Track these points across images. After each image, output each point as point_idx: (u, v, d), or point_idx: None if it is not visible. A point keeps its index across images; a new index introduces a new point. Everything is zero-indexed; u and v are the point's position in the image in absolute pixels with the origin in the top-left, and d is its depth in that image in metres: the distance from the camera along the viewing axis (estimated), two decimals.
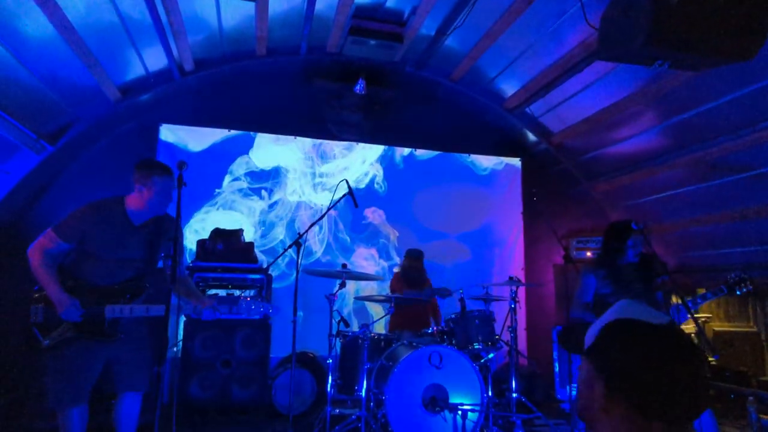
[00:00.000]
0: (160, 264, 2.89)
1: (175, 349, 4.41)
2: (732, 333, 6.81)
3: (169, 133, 5.06)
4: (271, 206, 5.31)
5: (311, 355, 4.84)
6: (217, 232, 4.48)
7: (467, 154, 5.90)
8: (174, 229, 2.27)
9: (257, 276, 4.35)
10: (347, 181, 3.91)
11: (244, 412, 4.14)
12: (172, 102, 5.07)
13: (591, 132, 5.20)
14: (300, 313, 5.08)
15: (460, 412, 3.38)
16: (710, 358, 5.77)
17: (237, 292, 4.40)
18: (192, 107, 5.14)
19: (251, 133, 5.33)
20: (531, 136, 5.86)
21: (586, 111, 5.03)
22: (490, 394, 3.61)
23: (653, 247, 3.51)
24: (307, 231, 3.78)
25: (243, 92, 5.31)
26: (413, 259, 4.62)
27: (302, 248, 3.71)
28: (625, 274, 3.38)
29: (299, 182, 5.41)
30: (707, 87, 3.98)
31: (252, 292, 4.40)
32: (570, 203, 5.95)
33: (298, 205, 5.38)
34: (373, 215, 5.48)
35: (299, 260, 3.67)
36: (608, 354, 0.88)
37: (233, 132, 5.26)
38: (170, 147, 4.96)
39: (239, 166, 5.26)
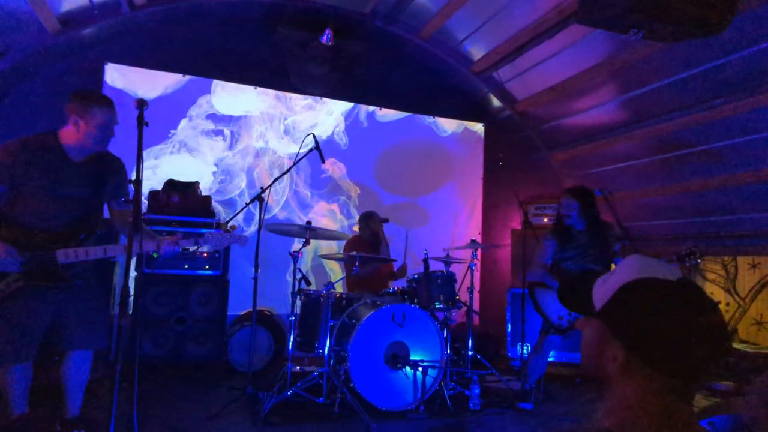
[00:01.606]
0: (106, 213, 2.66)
1: None
2: None
3: (116, 75, 4.62)
4: (232, 150, 5.02)
5: (268, 312, 4.75)
6: (171, 184, 4.21)
7: (431, 117, 5.82)
8: (137, 171, 2.05)
9: (215, 231, 4.14)
10: (314, 136, 3.75)
11: (200, 370, 4.03)
12: (119, 39, 4.61)
13: (554, 101, 5.24)
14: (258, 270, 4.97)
15: (420, 369, 3.44)
16: None
17: (192, 248, 4.19)
18: (142, 46, 4.71)
19: (209, 80, 4.96)
20: (495, 102, 5.85)
21: (551, 79, 5.05)
22: (449, 351, 3.69)
23: (617, 215, 3.64)
24: (270, 186, 3.61)
25: (200, 35, 4.91)
26: (375, 223, 4.53)
27: (264, 204, 3.56)
28: (581, 239, 3.49)
29: (264, 127, 5.15)
30: (665, 63, 4.07)
31: (208, 248, 4.20)
32: (529, 170, 6.05)
33: (261, 151, 5.13)
34: (333, 168, 5.33)
35: (261, 216, 3.52)
36: (629, 316, 0.86)
37: (188, 77, 4.88)
38: (118, 92, 4.53)
39: (199, 107, 4.92)
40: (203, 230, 4.05)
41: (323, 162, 3.74)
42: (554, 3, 4.10)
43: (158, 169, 4.71)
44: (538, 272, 3.50)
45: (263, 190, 3.56)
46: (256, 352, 4.25)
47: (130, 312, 3.91)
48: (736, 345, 5.13)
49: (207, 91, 4.97)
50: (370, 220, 4.61)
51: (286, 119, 5.23)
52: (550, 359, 4.61)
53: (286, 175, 5.02)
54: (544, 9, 4.21)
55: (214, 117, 4.98)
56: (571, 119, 5.33)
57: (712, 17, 2.73)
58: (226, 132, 5.01)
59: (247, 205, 3.65)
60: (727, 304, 6.61)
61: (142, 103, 2.10)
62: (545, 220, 5.17)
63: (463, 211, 5.91)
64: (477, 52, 5.34)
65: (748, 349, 4.69)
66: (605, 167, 5.36)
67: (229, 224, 4.19)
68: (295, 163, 3.70)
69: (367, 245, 4.43)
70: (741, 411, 1.54)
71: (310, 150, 3.68)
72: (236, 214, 3.78)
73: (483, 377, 4.15)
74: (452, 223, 5.83)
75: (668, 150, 4.65)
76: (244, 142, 5.06)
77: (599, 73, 4.55)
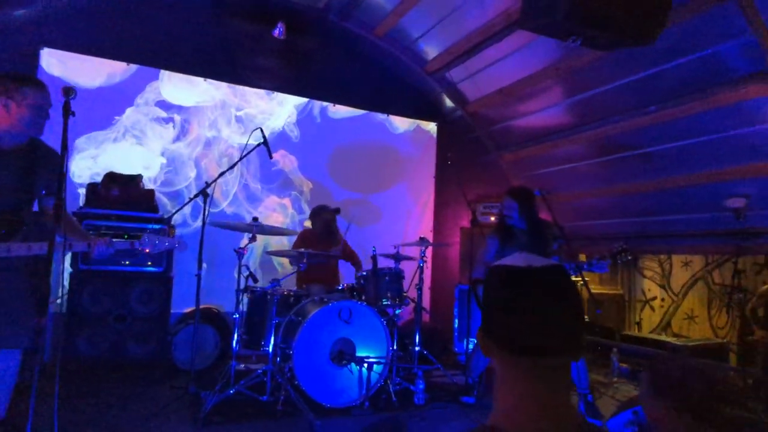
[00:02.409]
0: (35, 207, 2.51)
1: (59, 301, 3.97)
2: (603, 295, 7.68)
3: (53, 61, 4.36)
4: (181, 139, 4.85)
5: (215, 310, 4.63)
6: (112, 177, 4.03)
7: (385, 115, 5.83)
8: (60, 162, 1.94)
9: (158, 226, 4.00)
10: (262, 130, 3.68)
11: (141, 369, 3.89)
12: (57, 23, 4.35)
13: (504, 103, 5.37)
14: (203, 266, 4.83)
15: (366, 365, 3.45)
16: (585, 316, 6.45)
17: (124, 248, 4.02)
18: (83, 32, 4.46)
19: (156, 70, 4.77)
20: (448, 102, 5.93)
21: (501, 81, 5.16)
22: (395, 347, 3.72)
23: (554, 215, 3.76)
24: (215, 181, 3.52)
25: (145, 22, 4.71)
26: (327, 213, 4.49)
27: (209, 199, 3.46)
28: (522, 237, 3.60)
29: (215, 117, 5.00)
30: (607, 70, 4.25)
31: (145, 250, 4.03)
32: (479, 170, 6.17)
33: (212, 141, 4.98)
34: (284, 160, 5.25)
35: (205, 213, 3.43)
36: (481, 300, 0.91)
37: (133, 66, 4.68)
38: (55, 80, 4.28)
39: (148, 94, 4.73)
40: (145, 225, 3.90)
41: (270, 157, 3.67)
42: (503, 7, 4.19)
43: (99, 159, 4.49)
44: (481, 270, 3.57)
45: (208, 185, 3.46)
46: (201, 350, 4.16)
47: (63, 310, 3.74)
48: (668, 338, 5.43)
49: (156, 78, 4.78)
50: (322, 212, 4.56)
51: (239, 109, 5.11)
52: None
53: (235, 168, 4.93)
54: (493, 13, 4.30)
55: (163, 104, 4.80)
56: (519, 121, 5.47)
57: (644, 28, 2.86)
58: (177, 119, 4.84)
59: (191, 199, 3.53)
60: (663, 300, 6.99)
61: (68, 91, 1.98)
62: (493, 218, 5.29)
63: (415, 209, 5.97)
64: (431, 51, 5.39)
65: (678, 342, 4.98)
66: (551, 168, 5.54)
67: (171, 222, 4.10)
68: (241, 158, 3.62)
69: (318, 239, 4.39)
70: (640, 401, 1.62)
71: (258, 145, 3.61)
72: (180, 209, 3.67)
73: (429, 372, 4.21)
74: (404, 220, 5.87)
75: (608, 153, 4.85)
76: (194, 132, 4.91)
77: (546, 77, 4.69)
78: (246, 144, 3.64)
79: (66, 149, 1.84)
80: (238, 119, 5.10)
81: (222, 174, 3.58)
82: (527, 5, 2.97)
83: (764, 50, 3.12)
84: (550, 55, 4.51)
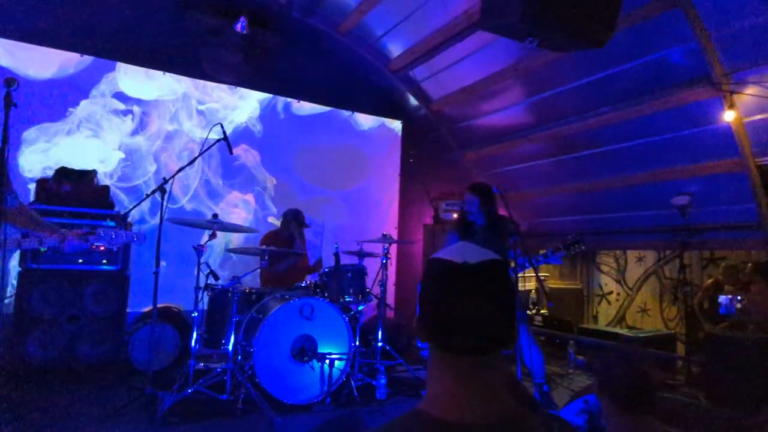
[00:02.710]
0: None
1: (7, 302, 3.80)
2: (563, 289, 7.94)
3: (1, 51, 4.15)
4: (139, 132, 4.70)
5: (176, 309, 4.53)
6: (64, 172, 3.88)
7: (349, 112, 5.83)
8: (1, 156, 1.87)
9: (113, 224, 3.88)
10: (222, 126, 3.61)
11: (96, 371, 3.76)
12: (3, 11, 4.15)
13: (466, 102, 5.46)
14: (163, 263, 4.70)
15: (327, 361, 3.45)
16: (543, 309, 6.63)
17: (76, 243, 3.88)
18: (32, 21, 4.26)
19: (112, 62, 4.61)
20: (412, 101, 5.98)
21: (464, 80, 5.25)
22: (357, 343, 3.73)
23: (510, 211, 3.86)
24: (173, 177, 3.43)
25: (100, 13, 4.53)
26: (292, 220, 4.45)
27: (167, 195, 3.38)
28: (480, 234, 3.67)
29: (176, 109, 4.87)
30: (564, 71, 4.39)
31: (102, 245, 3.90)
32: (443, 168, 6.25)
33: (172, 135, 4.85)
34: (247, 155, 5.17)
35: (163, 209, 3.34)
36: (420, 286, 0.92)
37: (88, 58, 4.51)
38: (4, 71, 4.07)
39: (105, 86, 4.56)
40: (99, 222, 3.77)
41: (231, 152, 3.62)
42: (464, 8, 4.26)
43: (51, 152, 4.31)
44: None
45: (165, 181, 3.38)
46: (161, 350, 4.06)
47: (11, 311, 3.58)
48: (621, 330, 5.65)
49: (113, 70, 4.62)
50: (294, 220, 4.51)
51: (201, 103, 5.00)
52: None
53: (195, 163, 4.82)
54: (455, 13, 4.36)
55: (121, 96, 4.64)
56: (481, 120, 5.58)
57: (595, 32, 2.97)
58: (136, 111, 4.69)
59: (147, 196, 3.44)
60: (618, 294, 7.27)
61: (10, 82, 1.90)
62: (455, 215, 5.38)
63: (380, 206, 5.99)
64: (395, 49, 5.42)
65: (630, 334, 5.19)
66: (511, 167, 5.67)
67: (128, 219, 3.98)
68: (200, 154, 3.55)
69: (282, 241, 4.36)
70: (593, 391, 1.70)
71: (217, 141, 3.55)
72: (136, 206, 3.56)
73: (392, 368, 4.25)
74: (369, 218, 5.89)
75: (565, 152, 5.01)
76: (154, 125, 4.77)
77: (506, 76, 4.80)
78: (206, 139, 3.56)
79: (6, 141, 1.76)
80: (200, 113, 4.99)
81: (180, 170, 3.51)
82: (486, 6, 3.03)
83: (706, 56, 3.29)
84: (511, 56, 4.62)
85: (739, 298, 3.70)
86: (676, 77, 3.62)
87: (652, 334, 5.18)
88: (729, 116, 3.36)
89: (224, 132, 3.56)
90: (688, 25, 3.19)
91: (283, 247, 4.25)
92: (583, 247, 3.31)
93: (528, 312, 6.88)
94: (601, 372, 1.65)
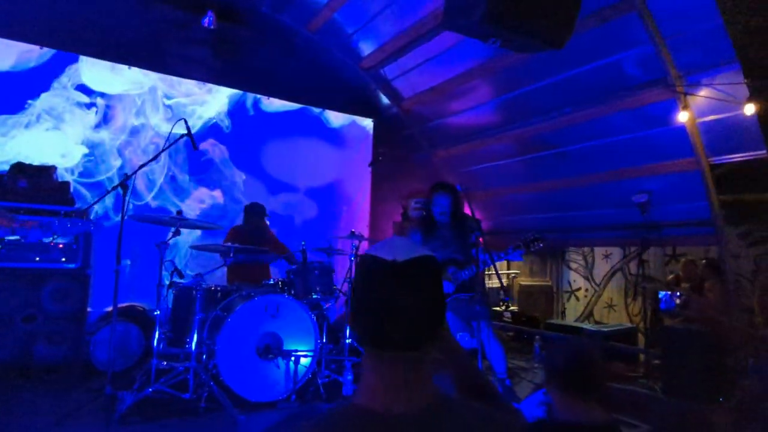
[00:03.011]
0: None
1: None
2: (533, 286, 8.09)
3: None
4: (103, 126, 4.57)
5: (141, 308, 4.44)
6: (20, 167, 3.75)
7: (321, 109, 5.81)
8: None
9: (63, 218, 3.76)
10: (186, 121, 3.56)
11: (54, 372, 3.66)
12: None
13: (437, 101, 5.50)
14: (127, 262, 4.61)
15: (293, 358, 3.44)
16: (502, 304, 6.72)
17: (46, 239, 3.78)
18: None
19: (75, 55, 4.49)
20: (384, 99, 5.99)
21: (434, 79, 5.29)
22: (324, 340, 3.73)
23: (473, 208, 3.91)
24: (135, 172, 3.37)
25: (62, 3, 4.40)
26: (254, 215, 4.41)
27: (129, 191, 3.31)
28: (445, 231, 3.71)
29: (142, 103, 4.76)
30: (530, 71, 4.46)
31: (66, 240, 3.81)
32: (414, 167, 6.29)
33: (139, 130, 4.73)
34: (215, 151, 5.10)
35: (124, 205, 3.28)
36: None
37: (48, 51, 4.37)
38: None
39: (68, 78, 4.43)
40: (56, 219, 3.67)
41: (195, 149, 3.56)
42: (432, 7, 4.29)
43: (9, 145, 4.16)
44: None
45: (127, 177, 3.30)
46: (124, 350, 3.99)
47: None
48: (585, 325, 5.78)
49: (76, 61, 4.50)
50: (256, 214, 4.47)
51: (168, 97, 4.91)
52: None
53: (161, 158, 4.73)
54: (422, 13, 4.39)
55: (84, 89, 4.51)
56: (451, 119, 5.63)
57: (554, 34, 3.03)
58: (100, 103, 4.56)
59: (107, 192, 3.37)
60: (586, 290, 7.44)
61: None
62: (424, 213, 5.42)
63: (351, 203, 6.00)
64: (366, 47, 5.42)
65: (593, 328, 5.32)
66: (480, 166, 5.74)
67: (89, 216, 3.88)
68: (162, 150, 3.48)
69: (248, 236, 4.30)
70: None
71: (181, 137, 3.49)
72: (96, 202, 3.48)
73: (359, 364, 4.25)
74: (341, 215, 5.89)
75: (531, 151, 5.10)
76: (119, 119, 4.66)
77: (474, 76, 4.85)
78: (169, 134, 3.50)
79: None
80: (168, 107, 4.90)
81: (142, 166, 3.43)
82: (449, 6, 3.06)
83: (661, 59, 3.40)
84: (479, 56, 4.68)
85: (678, 293, 3.84)
86: (634, 79, 3.73)
87: (615, 329, 5.32)
88: (683, 117, 3.49)
89: (188, 127, 3.50)
90: (644, 29, 3.29)
91: (252, 240, 4.21)
92: (541, 244, 3.37)
93: (497, 308, 7.00)
94: (546, 362, 1.70)
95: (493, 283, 7.56)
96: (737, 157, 3.61)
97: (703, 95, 3.44)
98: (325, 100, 5.79)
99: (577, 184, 4.92)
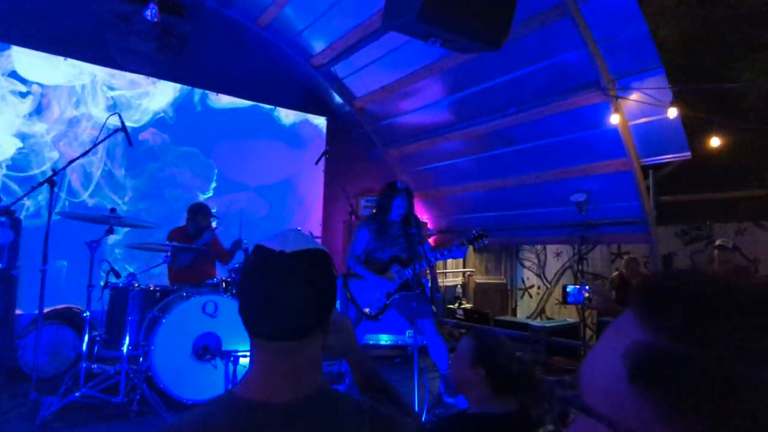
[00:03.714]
0: None
1: None
2: (489, 284, 8.25)
3: None
4: (36, 117, 4.35)
5: (77, 310, 4.25)
6: None
7: (273, 107, 5.73)
8: None
9: None
10: (120, 116, 3.44)
11: None
12: None
13: (389, 100, 5.52)
14: (63, 262, 4.43)
15: (232, 359, 3.37)
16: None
17: None
18: None
19: (5, 44, 4.26)
20: (336, 98, 5.97)
21: (385, 78, 5.31)
22: None
23: (421, 207, 3.95)
24: (64, 168, 3.23)
25: None
26: (198, 215, 4.27)
27: (57, 187, 3.18)
28: (393, 230, 3.73)
29: (81, 94, 4.56)
30: (477, 72, 4.54)
31: None
32: (368, 166, 6.29)
33: (77, 122, 4.52)
34: (154, 139, 4.95)
35: (52, 202, 3.14)
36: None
37: None
38: None
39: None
40: None
41: (130, 144, 3.45)
42: (380, 5, 4.28)
43: None
44: (350, 262, 3.65)
45: (55, 173, 3.16)
46: (57, 353, 3.83)
47: None
48: (532, 321, 5.94)
49: (8, 48, 4.27)
50: (200, 213, 4.33)
51: (111, 89, 4.72)
52: (380, 342, 4.90)
53: (99, 152, 4.55)
54: (370, 11, 4.40)
55: (17, 77, 4.28)
56: (402, 118, 5.67)
57: (490, 35, 3.09)
58: (35, 91, 4.33)
59: (33, 188, 3.21)
60: (539, 288, 7.63)
61: None
62: (375, 212, 5.43)
63: (303, 202, 5.94)
64: (318, 45, 5.38)
65: (539, 324, 5.46)
66: (432, 165, 5.81)
67: (15, 214, 3.70)
68: (94, 146, 3.35)
69: (189, 237, 4.19)
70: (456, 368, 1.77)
71: (115, 131, 3.37)
72: (20, 199, 3.32)
73: None
74: (292, 214, 5.83)
75: (479, 151, 5.20)
76: (56, 109, 4.44)
77: (424, 76, 4.90)
78: (102, 127, 3.37)
79: None
80: (110, 100, 4.72)
81: (71, 162, 3.30)
82: (388, 6, 3.08)
83: (594, 63, 3.52)
84: (428, 56, 4.72)
85: (587, 287, 3.99)
86: (571, 81, 3.85)
87: (559, 324, 5.48)
88: (615, 119, 3.62)
89: (122, 121, 3.39)
90: (578, 33, 3.40)
91: (190, 242, 4.09)
92: (485, 240, 3.44)
93: (451, 306, 7.10)
94: (482, 351, 1.73)
95: (449, 281, 7.68)
96: (666, 158, 3.78)
97: (633, 99, 3.58)
98: (276, 97, 5.72)
99: (524, 182, 5.04)
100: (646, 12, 3.06)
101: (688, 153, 3.57)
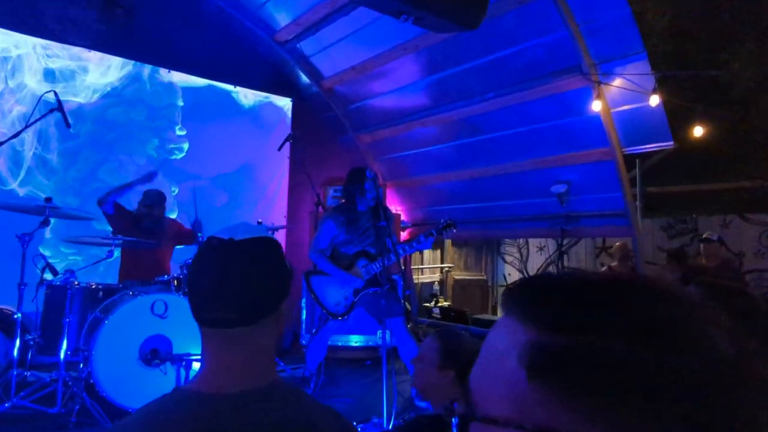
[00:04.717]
0: None
1: None
2: (468, 280, 8.36)
3: None
4: None
5: (7, 311, 4.12)
6: None
7: (231, 86, 5.62)
8: None
9: None
10: (56, 94, 3.32)
11: None
12: None
13: (359, 81, 5.48)
14: None
15: (183, 363, 3.33)
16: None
17: None
18: None
19: None
20: (303, 77, 5.89)
21: (355, 58, 5.26)
22: None
23: (395, 198, 3.95)
24: None
25: None
26: (148, 203, 4.16)
27: None
28: (363, 220, 3.72)
29: (13, 66, 4.37)
30: (454, 53, 4.54)
31: None
32: (339, 151, 6.25)
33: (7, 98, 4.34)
34: (96, 120, 4.79)
35: None
36: None
37: None
38: None
39: None
40: None
41: (68, 126, 3.34)
42: None
43: None
44: (314, 257, 3.63)
45: None
46: None
47: None
48: None
49: None
50: (149, 201, 4.23)
51: (49, 58, 4.53)
52: (350, 343, 4.91)
53: (28, 138, 4.38)
54: None
55: None
56: (374, 101, 5.64)
57: (466, 13, 3.10)
58: None
59: None
60: None
61: None
62: (343, 202, 5.41)
63: (266, 191, 5.87)
64: (282, 19, 5.28)
65: None
66: (406, 152, 5.81)
67: None
68: (25, 128, 3.23)
69: (138, 228, 4.08)
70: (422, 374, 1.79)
71: (50, 111, 3.26)
72: None
73: None
74: (254, 203, 5.75)
75: (456, 137, 5.22)
76: None
77: (397, 56, 4.87)
78: (35, 107, 3.24)
79: None
80: (49, 72, 4.53)
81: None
82: None
83: (576, 45, 3.57)
84: (401, 34, 4.69)
85: None
86: (552, 65, 3.90)
87: None
88: (597, 106, 3.69)
89: (59, 100, 3.27)
90: (558, 13, 3.44)
91: (144, 231, 3.99)
92: (454, 230, 3.47)
93: (427, 304, 7.16)
94: (451, 352, 1.76)
95: (425, 277, 7.74)
96: (648, 147, 3.88)
97: (616, 85, 3.65)
98: (236, 76, 5.61)
99: (503, 171, 5.09)
100: None
101: (671, 142, 3.67)
